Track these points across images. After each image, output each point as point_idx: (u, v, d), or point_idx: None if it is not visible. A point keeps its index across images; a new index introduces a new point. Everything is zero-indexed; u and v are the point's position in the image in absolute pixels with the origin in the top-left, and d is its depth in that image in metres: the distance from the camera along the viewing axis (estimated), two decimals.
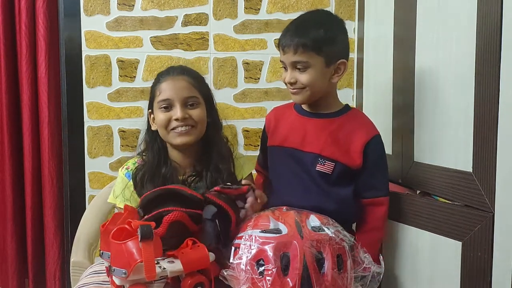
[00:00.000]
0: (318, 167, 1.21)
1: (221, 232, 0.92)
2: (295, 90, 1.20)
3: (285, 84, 1.24)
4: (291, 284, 0.80)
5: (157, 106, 1.17)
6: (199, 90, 1.19)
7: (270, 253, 0.83)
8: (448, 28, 1.15)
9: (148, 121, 1.23)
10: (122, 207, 1.17)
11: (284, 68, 1.22)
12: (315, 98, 1.22)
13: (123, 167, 1.24)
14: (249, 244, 0.86)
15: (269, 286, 0.80)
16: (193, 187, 1.18)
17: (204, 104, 1.20)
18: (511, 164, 0.98)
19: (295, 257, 0.82)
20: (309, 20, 1.22)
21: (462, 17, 1.09)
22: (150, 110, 1.22)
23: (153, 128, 1.21)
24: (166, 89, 1.16)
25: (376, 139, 1.22)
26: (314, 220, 0.89)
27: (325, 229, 0.87)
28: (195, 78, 1.20)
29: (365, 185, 1.23)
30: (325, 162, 1.20)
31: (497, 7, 0.98)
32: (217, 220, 0.91)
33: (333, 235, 0.86)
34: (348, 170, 1.21)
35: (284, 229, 0.87)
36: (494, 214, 1.02)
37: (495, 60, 0.99)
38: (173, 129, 1.15)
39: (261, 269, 0.83)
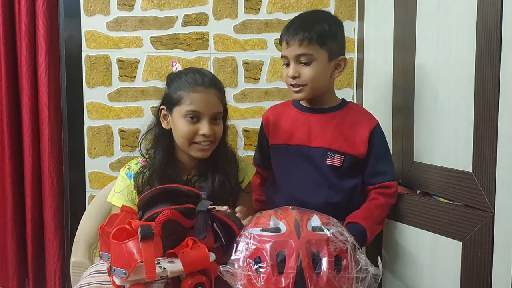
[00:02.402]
0: (329, 161, 1.22)
1: (225, 244, 0.93)
2: (298, 87, 1.21)
3: (286, 82, 1.24)
4: (284, 283, 0.80)
5: (183, 114, 1.13)
6: (223, 104, 1.19)
7: (266, 251, 0.83)
8: (448, 28, 1.15)
9: (158, 118, 1.21)
10: (119, 205, 1.18)
11: (286, 64, 1.22)
12: (316, 94, 1.23)
13: (125, 167, 1.24)
14: (247, 242, 0.87)
15: (263, 283, 0.81)
16: (197, 187, 1.18)
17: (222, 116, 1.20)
18: (511, 164, 0.98)
19: (290, 256, 0.82)
20: (312, 16, 1.26)
21: (462, 17, 1.09)
22: (163, 107, 1.19)
23: (164, 125, 1.19)
24: (199, 101, 1.13)
25: (378, 127, 1.26)
26: (315, 221, 0.89)
27: (325, 229, 0.87)
28: (222, 91, 1.19)
29: (373, 172, 1.25)
30: (334, 155, 1.22)
31: (497, 7, 0.98)
32: (211, 223, 0.92)
33: (332, 236, 0.86)
34: (356, 161, 1.24)
35: (283, 227, 0.87)
36: (494, 214, 1.02)
37: (495, 60, 0.99)
38: (196, 142, 1.15)
39: (257, 266, 0.83)
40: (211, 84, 1.16)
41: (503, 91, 0.98)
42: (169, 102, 1.17)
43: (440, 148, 1.19)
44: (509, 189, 0.99)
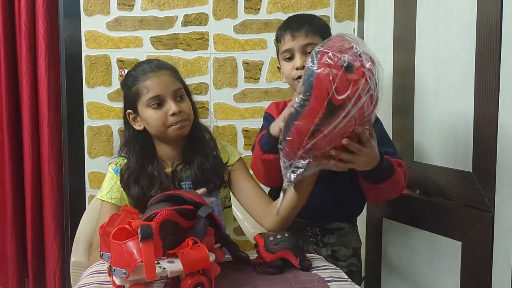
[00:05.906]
0: None
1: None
2: None
3: (290, 76, 1.23)
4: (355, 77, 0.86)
5: (146, 104, 1.14)
6: (180, 81, 1.20)
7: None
8: (448, 28, 1.15)
9: (127, 122, 1.20)
10: (107, 200, 1.18)
11: (288, 58, 1.23)
12: None
13: (112, 162, 1.24)
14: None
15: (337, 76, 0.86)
16: (182, 176, 1.18)
17: (186, 94, 1.21)
18: (511, 164, 0.98)
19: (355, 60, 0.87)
20: (308, 14, 1.31)
21: (462, 17, 1.09)
22: (130, 111, 1.19)
23: (137, 127, 1.19)
24: (154, 86, 1.14)
25: (376, 121, 1.23)
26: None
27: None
28: (173, 70, 1.20)
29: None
30: None
31: (497, 6, 0.98)
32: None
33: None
34: None
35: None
36: (494, 214, 1.02)
37: (495, 59, 0.99)
38: (171, 125, 1.15)
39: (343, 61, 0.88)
40: (159, 66, 1.17)
41: (503, 90, 0.98)
42: (130, 102, 1.18)
43: (440, 148, 1.19)
44: (509, 189, 0.99)
